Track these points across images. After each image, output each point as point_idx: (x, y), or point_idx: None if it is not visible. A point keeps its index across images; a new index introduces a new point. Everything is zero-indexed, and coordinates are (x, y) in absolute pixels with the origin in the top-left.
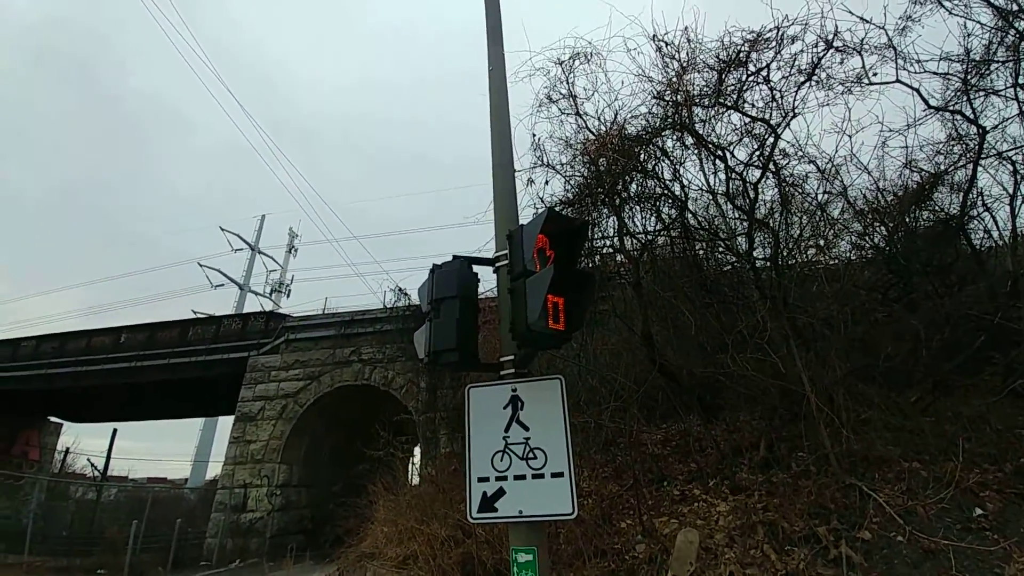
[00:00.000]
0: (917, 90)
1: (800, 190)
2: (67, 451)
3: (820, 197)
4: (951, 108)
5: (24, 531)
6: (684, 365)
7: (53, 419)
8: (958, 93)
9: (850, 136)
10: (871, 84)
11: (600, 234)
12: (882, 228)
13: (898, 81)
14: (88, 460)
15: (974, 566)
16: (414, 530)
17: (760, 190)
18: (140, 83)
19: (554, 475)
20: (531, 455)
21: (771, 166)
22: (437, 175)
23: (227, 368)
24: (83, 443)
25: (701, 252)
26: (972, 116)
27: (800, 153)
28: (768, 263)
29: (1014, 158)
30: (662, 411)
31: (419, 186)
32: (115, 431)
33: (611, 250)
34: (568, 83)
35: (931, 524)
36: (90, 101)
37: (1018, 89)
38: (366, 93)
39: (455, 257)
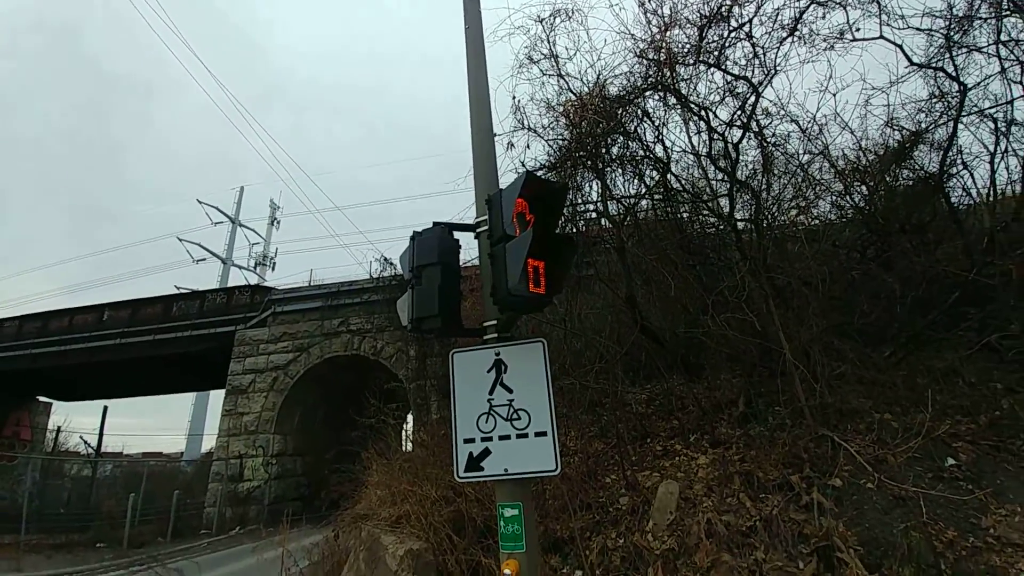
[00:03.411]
0: (900, 46)
1: (783, 150)
2: (59, 430)
3: (802, 157)
4: (933, 65)
5: (20, 511)
6: (667, 327)
7: (42, 399)
8: (940, 50)
9: (833, 94)
10: (854, 40)
11: (583, 199)
12: (862, 187)
13: (881, 37)
14: (81, 438)
15: (947, 514)
16: (407, 492)
17: (742, 150)
18: (118, 48)
19: (538, 434)
20: (515, 416)
21: (753, 125)
22: (429, 144)
23: (214, 343)
24: (74, 421)
25: (684, 215)
26: (954, 73)
27: (782, 112)
28: (750, 224)
29: (995, 115)
30: (646, 372)
31: (410, 155)
32: (106, 408)
33: (595, 214)
34: (549, 42)
35: (901, 472)
36: (70, 65)
37: (1000, 46)
38: (354, 63)
39: (435, 224)
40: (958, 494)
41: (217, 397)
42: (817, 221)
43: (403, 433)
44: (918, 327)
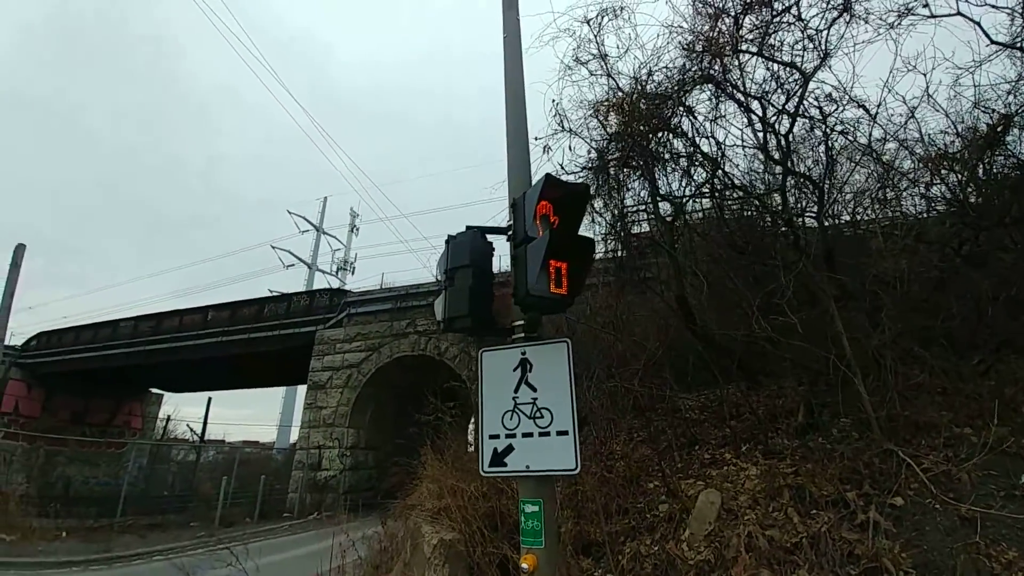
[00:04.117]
0: (978, 23)
1: (851, 138)
2: (168, 419)
3: (874, 145)
4: (1017, 44)
5: (120, 495)
6: (723, 331)
7: (155, 391)
8: (1021, 28)
9: (909, 72)
10: (931, 16)
11: (633, 199)
12: (950, 176)
13: (959, 14)
14: (187, 426)
15: (1012, 535)
16: (454, 487)
17: (792, 140)
18: (197, 69)
19: (559, 433)
20: (538, 414)
21: (808, 112)
22: (480, 145)
23: (298, 341)
24: (183, 411)
25: (737, 213)
26: None
27: (846, 98)
28: (814, 219)
29: None
30: (702, 378)
31: (463, 156)
32: (209, 399)
33: (645, 214)
34: (597, 42)
35: (973, 491)
36: (155, 89)
37: None
38: (403, 68)
39: (468, 228)
40: None
41: (303, 392)
42: (897, 214)
43: (468, 431)
44: (1010, 331)
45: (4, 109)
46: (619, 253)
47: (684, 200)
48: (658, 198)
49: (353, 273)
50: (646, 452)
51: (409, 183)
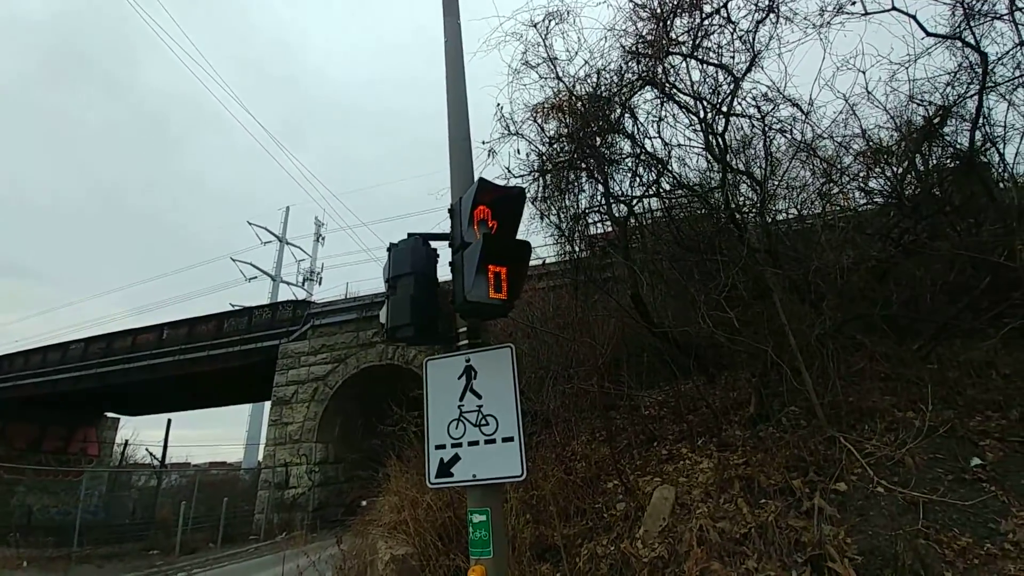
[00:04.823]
0: (914, 17)
1: (788, 136)
2: (126, 443)
3: (813, 141)
4: (951, 35)
5: (81, 524)
6: (677, 326)
7: (110, 414)
8: (962, 20)
9: (849, 71)
10: (865, 14)
11: (587, 200)
12: (888, 169)
13: (894, 8)
14: (147, 450)
15: (964, 519)
16: (414, 499)
17: (730, 139)
18: (155, 81)
19: (505, 440)
20: (483, 422)
21: (740, 112)
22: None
23: (262, 356)
24: (142, 435)
25: (688, 211)
26: (974, 43)
27: (780, 97)
28: (756, 215)
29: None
30: (660, 375)
31: (427, 161)
32: (169, 421)
33: (599, 215)
34: (546, 45)
35: (919, 475)
36: (115, 106)
37: (1017, 13)
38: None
39: (410, 235)
40: (979, 496)
41: (269, 408)
42: (838, 208)
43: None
44: (948, 316)
45: None
46: (574, 255)
47: (634, 201)
48: (611, 199)
49: (320, 284)
50: (606, 452)
51: (376, 190)
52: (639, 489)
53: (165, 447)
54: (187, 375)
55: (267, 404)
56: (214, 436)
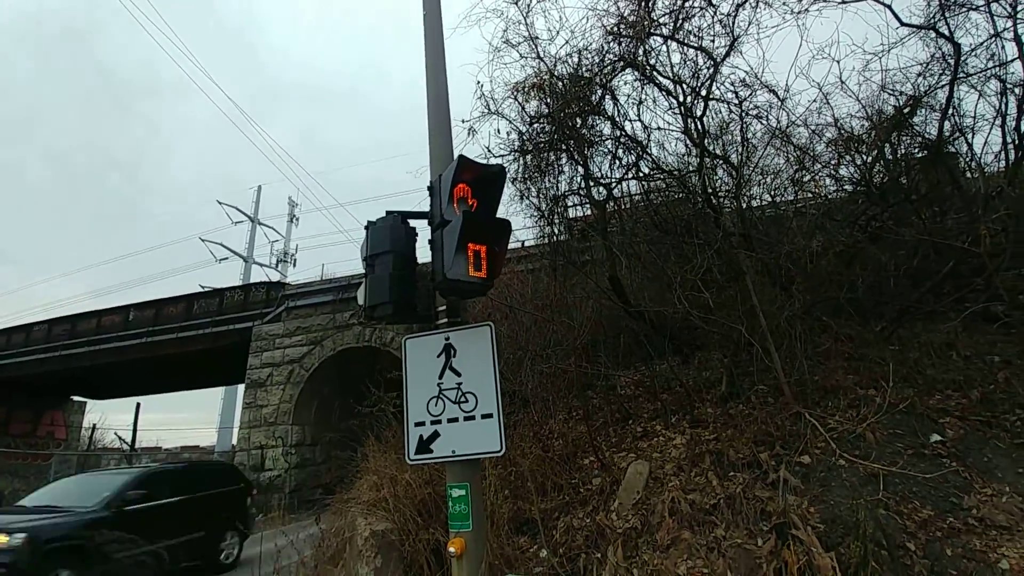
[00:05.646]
0: (889, 6)
1: (764, 122)
2: (94, 427)
3: (787, 128)
4: (925, 25)
5: None
6: (653, 308)
7: (76, 398)
8: (937, 11)
9: (824, 59)
10: (842, 2)
11: (567, 182)
12: (857, 157)
13: None
14: (116, 434)
15: (925, 493)
16: (393, 477)
17: (709, 123)
18: (128, 55)
19: (484, 416)
20: (463, 399)
21: (718, 97)
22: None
23: (234, 338)
24: (110, 419)
25: (666, 195)
26: (948, 33)
27: (758, 83)
28: (731, 200)
29: (1001, 76)
30: (636, 355)
31: (404, 144)
32: (139, 405)
33: (579, 196)
34: (527, 23)
35: (879, 450)
36: (83, 75)
37: (992, 3)
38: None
39: (388, 212)
40: (938, 470)
41: (242, 391)
42: (810, 195)
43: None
44: (910, 300)
45: None
46: (554, 237)
47: (613, 183)
48: (591, 181)
49: (294, 265)
50: (583, 430)
51: (351, 171)
52: (614, 465)
53: (135, 431)
54: (155, 357)
55: (240, 387)
56: (185, 420)
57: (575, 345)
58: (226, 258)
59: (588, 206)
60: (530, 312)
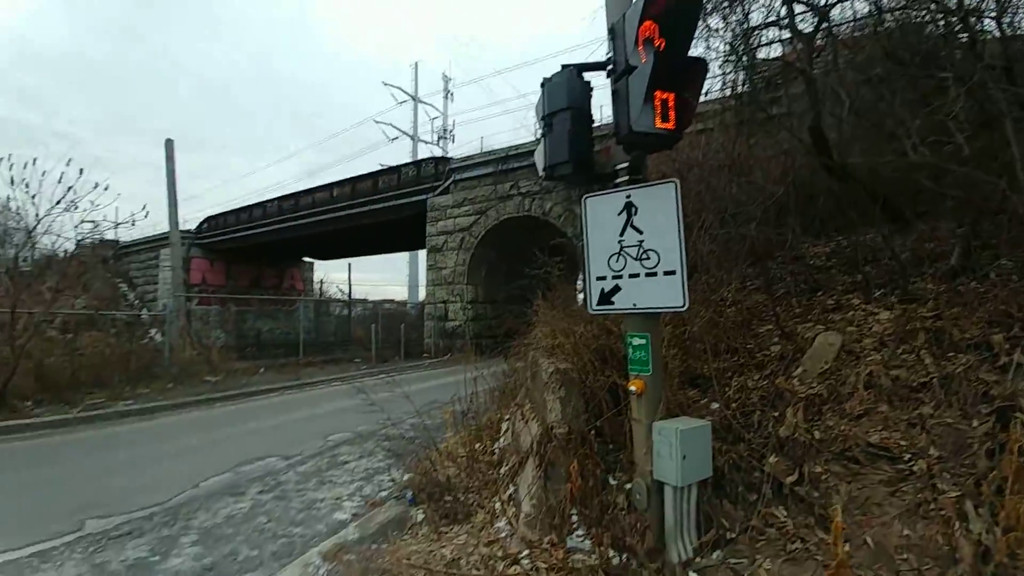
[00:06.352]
0: None
1: None
2: (321, 282)
3: None
4: None
5: (298, 342)
6: (866, 165)
7: (306, 259)
8: None
9: None
10: None
11: (761, 12)
12: None
13: None
14: (337, 287)
15: None
16: (565, 330)
17: None
18: None
19: (667, 273)
20: (644, 256)
21: None
22: None
23: (412, 210)
24: (330, 276)
25: (901, 18)
26: None
27: None
28: (993, 22)
29: None
30: (833, 224)
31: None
32: (349, 265)
33: (775, 32)
34: None
35: None
36: None
37: None
38: None
39: (564, 67)
40: None
41: (423, 255)
42: None
43: (577, 286)
44: None
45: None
46: (740, 85)
47: (829, 5)
48: (794, 4)
49: (453, 141)
50: (761, 299)
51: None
52: (797, 335)
53: (349, 285)
54: (354, 227)
55: (420, 253)
56: (383, 279)
57: (762, 208)
58: (396, 137)
59: (787, 42)
60: (708, 172)
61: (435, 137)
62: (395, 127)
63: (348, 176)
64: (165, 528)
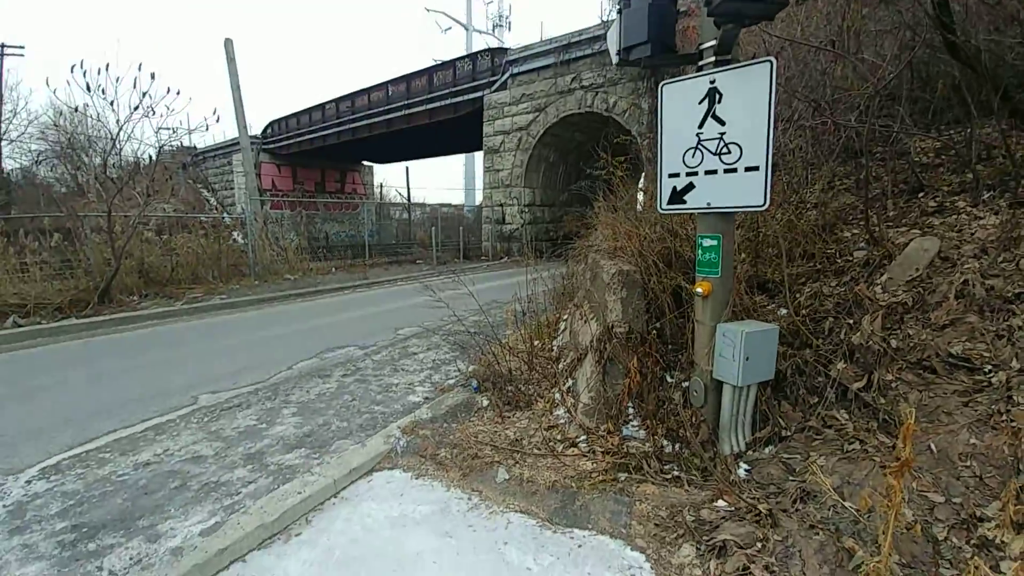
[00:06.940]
0: None
1: None
2: (381, 186)
3: None
4: None
5: (363, 244)
6: (991, 48)
7: (366, 163)
8: None
9: None
10: None
11: None
12: None
13: None
14: (396, 191)
15: None
16: (628, 232)
17: None
18: None
19: (748, 169)
20: (725, 150)
21: None
22: None
23: (468, 107)
24: (389, 180)
25: None
26: None
27: None
28: None
29: None
30: (950, 115)
31: None
32: (407, 168)
33: None
34: None
35: None
36: None
37: None
38: None
39: None
40: None
41: (479, 158)
42: None
43: (638, 186)
44: None
45: None
46: None
47: None
48: None
49: (509, 30)
50: (849, 200)
51: None
52: (888, 240)
53: (408, 189)
54: (411, 128)
55: (477, 155)
56: (440, 183)
57: (865, 96)
58: (450, 28)
59: None
60: (806, 51)
61: (490, 25)
62: (447, 15)
63: (402, 73)
64: (268, 402)
